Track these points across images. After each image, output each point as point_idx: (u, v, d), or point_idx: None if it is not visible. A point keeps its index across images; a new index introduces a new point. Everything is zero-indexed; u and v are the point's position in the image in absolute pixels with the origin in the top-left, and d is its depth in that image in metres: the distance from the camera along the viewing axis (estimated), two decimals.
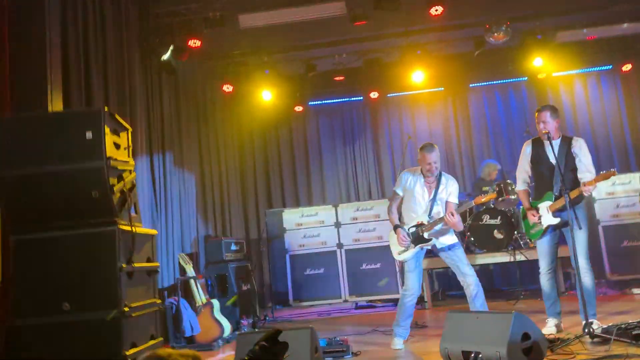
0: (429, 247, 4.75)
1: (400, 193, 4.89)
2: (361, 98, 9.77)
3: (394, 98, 9.77)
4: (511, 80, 9.56)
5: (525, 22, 7.62)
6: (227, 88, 8.45)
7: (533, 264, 7.93)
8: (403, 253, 4.74)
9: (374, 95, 9.46)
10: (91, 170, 3.56)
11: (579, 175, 4.54)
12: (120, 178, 3.77)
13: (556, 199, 4.52)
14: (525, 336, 3.50)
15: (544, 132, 4.52)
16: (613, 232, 7.12)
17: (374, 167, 9.63)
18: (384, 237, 7.49)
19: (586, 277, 4.40)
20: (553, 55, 8.18)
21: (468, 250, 7.65)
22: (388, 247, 7.51)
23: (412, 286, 4.66)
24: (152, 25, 6.51)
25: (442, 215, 4.67)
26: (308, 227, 7.70)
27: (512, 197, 7.47)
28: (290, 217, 7.80)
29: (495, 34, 6.54)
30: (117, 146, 3.84)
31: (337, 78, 8.46)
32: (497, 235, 7.43)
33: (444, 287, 8.41)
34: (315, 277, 7.58)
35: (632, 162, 9.01)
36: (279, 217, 7.85)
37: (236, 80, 8.47)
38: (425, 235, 4.66)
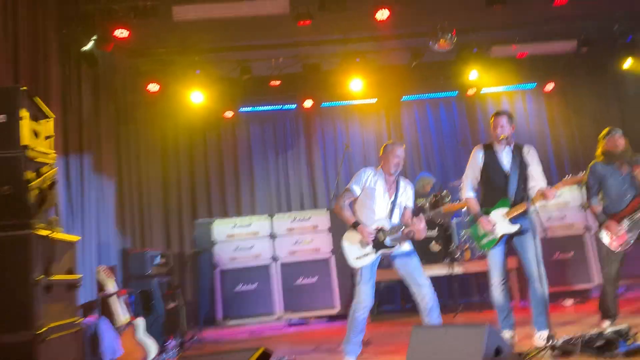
0: (388, 254, 4.44)
1: (357, 191, 4.47)
2: (294, 106, 9.46)
3: (328, 108, 9.54)
4: (442, 95, 9.69)
5: (463, 34, 7.65)
6: (153, 87, 7.79)
7: (470, 277, 8.00)
8: (362, 259, 4.35)
9: (308, 104, 9.18)
10: (2, 161, 2.93)
11: (531, 184, 4.45)
12: (38, 173, 3.14)
13: (512, 205, 4.39)
14: (498, 351, 3.28)
15: (501, 136, 4.39)
16: (544, 245, 7.22)
17: (307, 178, 9.30)
18: (322, 250, 7.16)
19: (545, 286, 4.28)
20: (486, 70, 8.32)
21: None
22: (326, 260, 7.37)
23: (366, 299, 4.32)
24: (74, 11, 5.79)
25: (400, 220, 4.41)
26: (241, 238, 7.19)
27: (444, 211, 7.42)
28: (222, 228, 7.25)
29: (441, 41, 6.47)
30: (37, 134, 3.21)
31: (272, 83, 8.04)
32: (434, 247, 7.34)
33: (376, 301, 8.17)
34: (247, 293, 7.07)
35: (555, 178, 9.33)
36: (209, 228, 7.27)
37: (163, 78, 7.84)
38: (387, 241, 4.35)
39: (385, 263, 4.61)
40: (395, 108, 9.59)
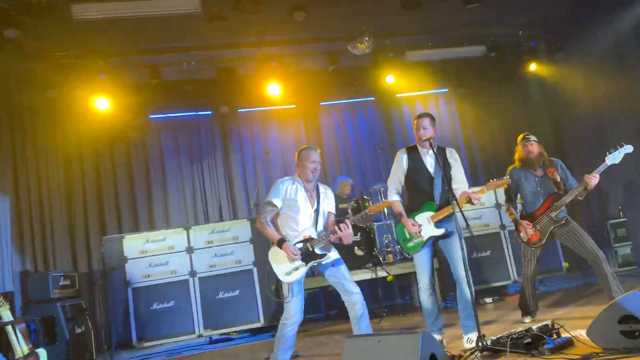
0: (320, 263, 4.24)
1: (278, 204, 4.26)
2: (210, 113, 9.08)
3: (245, 114, 9.26)
4: (360, 99, 9.72)
5: (379, 39, 7.67)
6: (52, 93, 7.13)
7: (392, 281, 7.99)
8: (293, 273, 4.13)
9: (224, 110, 8.84)
10: None
11: (454, 186, 4.44)
12: None
13: (438, 208, 4.36)
14: (433, 357, 3.18)
15: (424, 138, 4.35)
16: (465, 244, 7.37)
17: (224, 187, 8.93)
18: (244, 261, 6.85)
19: (470, 288, 4.26)
20: (401, 74, 8.41)
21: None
22: (248, 272, 7.05)
23: (295, 314, 4.10)
24: None
25: (324, 227, 4.24)
26: (155, 254, 6.71)
27: (370, 212, 7.39)
28: (133, 243, 6.73)
29: (359, 44, 6.41)
30: None
31: (185, 88, 7.63)
32: (358, 252, 7.26)
33: None
34: (163, 312, 6.59)
35: (468, 181, 9.60)
36: (119, 244, 6.72)
37: (64, 84, 7.19)
38: (317, 250, 4.16)
39: (308, 272, 4.41)
40: (314, 113, 9.48)
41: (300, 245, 4.16)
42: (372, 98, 9.67)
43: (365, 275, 6.97)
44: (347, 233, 4.07)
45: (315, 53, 7.85)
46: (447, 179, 4.32)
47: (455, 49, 8.20)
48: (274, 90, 7.83)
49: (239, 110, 9.14)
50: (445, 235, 4.32)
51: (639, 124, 7.29)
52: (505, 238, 7.48)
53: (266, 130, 9.31)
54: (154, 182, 8.67)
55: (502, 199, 7.61)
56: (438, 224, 4.34)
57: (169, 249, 6.74)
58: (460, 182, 4.41)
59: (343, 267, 4.27)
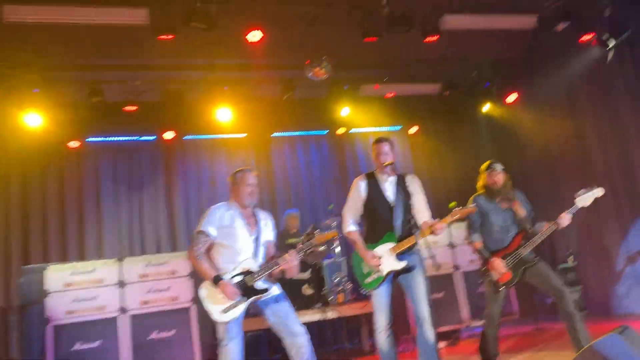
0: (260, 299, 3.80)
1: (213, 232, 3.81)
2: (154, 138, 8.54)
3: (192, 141, 8.75)
4: (313, 132, 9.45)
5: (336, 70, 7.44)
6: None
7: (341, 322, 7.54)
8: (229, 311, 3.65)
9: (169, 135, 8.33)
10: None
11: (416, 215, 4.15)
12: None
13: (399, 240, 4.02)
14: None
15: (386, 163, 4.05)
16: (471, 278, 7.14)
17: (165, 218, 8.29)
18: (181, 298, 6.26)
19: (433, 329, 3.91)
20: (355, 109, 8.21)
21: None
22: (185, 310, 6.44)
23: (234, 359, 3.62)
24: None
25: (264, 259, 3.83)
26: (81, 287, 6.00)
27: (321, 248, 7.00)
28: (56, 275, 6.00)
29: (318, 70, 6.15)
30: None
31: (127, 108, 7.09)
32: (307, 291, 6.82)
33: None
34: (88, 353, 5.84)
35: None
36: (40, 275, 5.97)
37: None
38: (257, 285, 3.70)
39: (250, 311, 3.95)
40: (265, 144, 9.10)
41: (239, 279, 3.71)
42: (326, 131, 9.43)
43: (314, 316, 6.51)
44: (291, 264, 3.68)
45: (270, 80, 7.53)
46: (408, 208, 4.02)
47: (410, 86, 8.10)
48: (224, 116, 7.41)
49: (184, 138, 8.64)
50: (407, 270, 3.98)
51: (587, 167, 7.34)
52: (458, 280, 7.25)
53: (213, 159, 8.82)
54: (87, 209, 7.95)
55: (457, 237, 7.46)
56: (399, 257, 4.00)
57: (98, 282, 6.06)
58: (421, 212, 4.12)
59: (287, 305, 3.85)
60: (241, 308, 3.67)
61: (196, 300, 6.22)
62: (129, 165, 8.38)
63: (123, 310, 6.04)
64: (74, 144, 7.89)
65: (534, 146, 8.16)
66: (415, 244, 4.03)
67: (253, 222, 3.92)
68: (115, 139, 8.38)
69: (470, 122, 9.17)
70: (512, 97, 8.46)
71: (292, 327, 3.76)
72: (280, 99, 7.69)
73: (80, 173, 8.10)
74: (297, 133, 9.36)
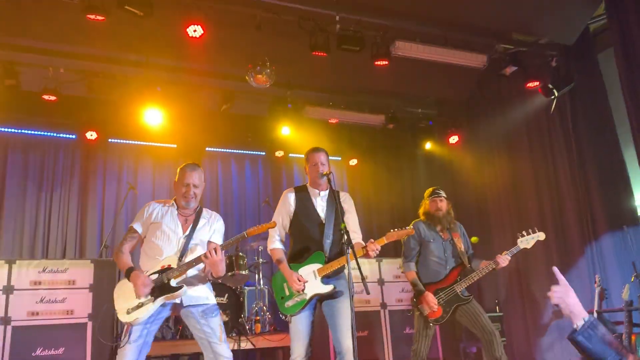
0: (176, 301, 3.35)
1: (140, 229, 3.52)
2: (74, 136, 7.82)
3: (117, 145, 8.10)
4: (250, 152, 9.04)
5: (280, 87, 7.12)
6: None
7: (256, 354, 6.98)
8: (135, 311, 3.21)
9: (91, 135, 7.65)
10: None
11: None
12: None
13: (328, 261, 3.62)
14: None
15: (325, 172, 3.68)
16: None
17: (75, 222, 7.54)
18: (77, 312, 5.52)
19: None
20: (297, 130, 7.85)
21: (182, 335, 6.22)
22: (80, 326, 5.69)
23: None
24: None
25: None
26: None
27: (243, 272, 6.49)
28: None
29: (259, 76, 5.76)
30: None
31: (47, 97, 6.40)
32: (222, 317, 6.21)
33: None
34: None
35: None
36: None
37: None
38: (173, 282, 3.25)
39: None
40: (197, 158, 8.51)
41: (155, 275, 3.30)
42: (264, 153, 9.03)
43: None
44: (213, 260, 3.22)
45: (208, 87, 7.06)
46: (339, 227, 3.65)
47: (355, 114, 7.86)
48: (154, 119, 6.82)
49: (110, 140, 7.98)
50: (332, 295, 3.57)
51: (521, 214, 7.28)
52: (385, 318, 6.89)
53: (139, 167, 8.19)
54: None
55: (386, 273, 7.13)
56: (325, 280, 3.59)
57: None
58: (353, 232, 3.76)
59: (217, 320, 3.41)
60: (149, 309, 3.23)
61: (94, 316, 5.52)
62: (42, 162, 7.64)
63: (5, 320, 5.24)
64: None
65: (470, 189, 8.07)
66: (343, 267, 3.64)
67: (190, 221, 3.54)
68: (30, 132, 7.60)
69: (410, 157, 9.03)
70: (453, 139, 8.41)
71: (216, 346, 3.38)
72: (218, 110, 7.24)
73: None
74: (233, 150, 8.91)
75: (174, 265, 3.34)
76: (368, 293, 3.23)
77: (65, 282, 5.56)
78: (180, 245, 3.43)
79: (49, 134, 7.72)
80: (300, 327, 3.57)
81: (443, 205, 4.55)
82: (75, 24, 5.30)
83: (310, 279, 3.58)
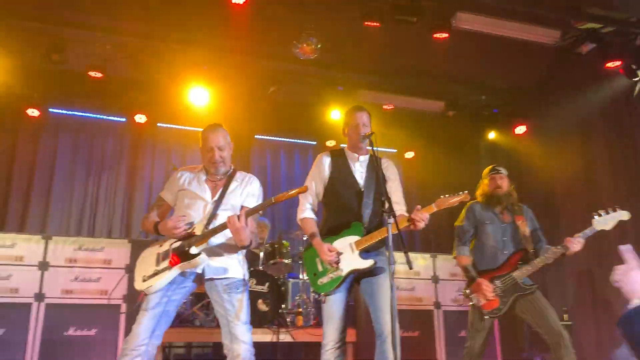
0: (197, 271, 3.03)
1: (167, 196, 3.28)
2: (124, 119, 7.74)
3: (166, 129, 7.96)
4: (300, 141, 8.69)
5: (327, 69, 6.72)
6: None
7: (296, 347, 6.57)
8: (152, 278, 2.95)
9: (140, 118, 7.53)
10: None
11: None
12: None
13: (367, 232, 3.15)
14: None
15: (366, 134, 3.23)
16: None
17: (122, 204, 7.48)
18: (112, 292, 5.32)
19: (396, 349, 2.97)
20: None
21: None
22: (114, 307, 5.49)
23: (137, 333, 2.84)
24: None
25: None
26: None
27: (286, 260, 6.10)
28: None
29: (304, 45, 5.38)
30: None
31: (93, 73, 6.28)
32: (261, 306, 5.84)
33: None
34: None
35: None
36: None
37: None
38: (194, 250, 2.93)
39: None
40: (246, 144, 8.31)
41: (178, 244, 3.01)
42: (314, 142, 8.65)
43: (265, 336, 5.55)
44: (235, 227, 2.84)
45: (254, 68, 6.71)
46: (380, 196, 3.18)
47: (412, 99, 7.32)
48: (199, 98, 6.59)
49: (158, 124, 7.85)
50: (372, 272, 3.10)
51: (594, 209, 6.50)
52: (438, 318, 6.32)
53: (187, 151, 8.01)
54: (37, 183, 7.18)
55: (442, 270, 6.56)
56: (364, 255, 3.12)
57: (16, 260, 5.14)
58: (396, 203, 3.27)
59: (241, 297, 3.04)
60: (166, 276, 2.94)
61: (129, 298, 5.29)
62: (91, 146, 7.64)
63: (39, 297, 5.10)
64: (33, 112, 7.10)
65: (538, 183, 7.33)
66: (384, 240, 3.17)
67: (220, 185, 3.21)
68: (81, 114, 7.58)
69: (472, 149, 8.33)
70: (520, 129, 7.71)
71: (234, 328, 3.01)
72: (265, 93, 6.90)
73: (37, 145, 7.42)
74: (282, 139, 8.59)
75: (199, 233, 3.00)
76: (410, 268, 2.72)
77: (100, 262, 5.39)
78: (208, 211, 3.10)
79: (99, 116, 7.68)
80: (334, 308, 3.13)
81: (504, 183, 4.00)
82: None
83: (347, 253, 3.13)
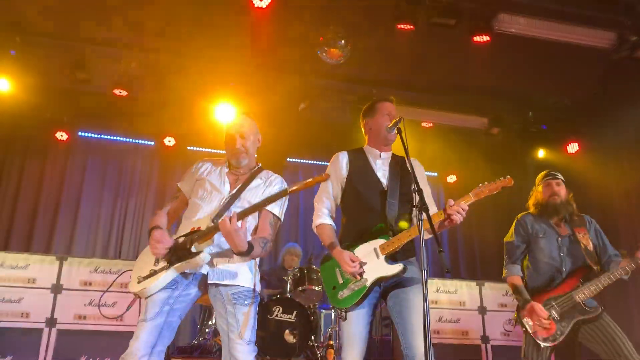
0: (202, 272, 2.61)
1: (185, 187, 2.89)
2: (152, 143, 7.56)
3: (196, 152, 7.71)
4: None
5: (360, 84, 6.36)
6: None
7: None
8: (148, 279, 2.55)
9: (169, 142, 7.34)
10: None
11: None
12: None
13: (393, 235, 2.67)
14: None
15: (393, 122, 2.77)
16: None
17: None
18: (127, 320, 4.94)
19: None
20: None
21: None
22: (131, 334, 5.11)
23: (136, 349, 2.43)
24: None
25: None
26: (5, 284, 4.82)
27: (316, 288, 5.59)
28: None
29: (332, 49, 5.01)
30: None
31: (117, 91, 6.12)
32: (289, 337, 5.34)
33: None
34: None
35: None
36: None
37: None
38: (194, 248, 2.52)
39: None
40: (278, 168, 7.95)
41: (182, 239, 2.60)
42: None
43: None
44: (226, 229, 2.40)
45: (283, 84, 6.39)
46: (406, 197, 2.75)
47: (452, 115, 6.83)
48: (226, 115, 6.31)
49: (188, 148, 7.62)
50: (401, 283, 2.61)
51: None
52: (487, 354, 5.65)
53: None
54: (64, 201, 7.06)
55: (490, 300, 5.91)
56: (391, 262, 2.63)
57: (29, 282, 4.86)
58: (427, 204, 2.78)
59: (247, 310, 2.62)
60: (161, 279, 2.52)
61: None
62: (119, 169, 7.46)
63: (51, 322, 4.77)
64: (62, 135, 7.03)
65: (594, 203, 6.61)
66: (413, 247, 2.69)
67: (241, 180, 2.82)
68: (109, 137, 7.45)
69: (520, 169, 7.69)
70: (572, 147, 7.08)
71: (233, 346, 2.57)
72: (295, 111, 6.56)
73: (65, 168, 7.33)
74: (315, 162, 8.21)
75: (204, 229, 2.58)
76: (448, 270, 2.18)
77: (118, 285, 5.03)
78: (222, 205, 2.69)
79: (127, 139, 7.52)
80: (356, 327, 2.63)
81: (561, 190, 3.45)
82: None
83: (371, 260, 2.65)
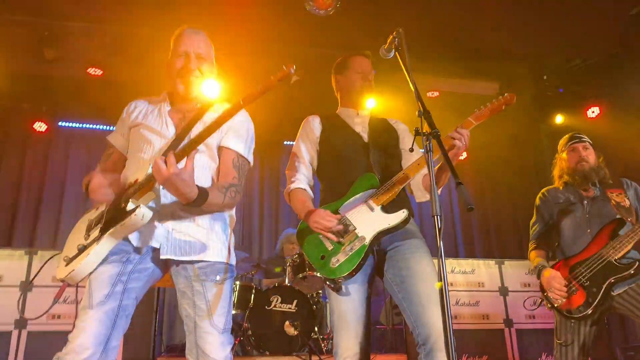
0: (154, 245, 2.02)
1: (118, 140, 2.27)
2: None
3: None
4: None
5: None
6: None
7: None
8: (76, 259, 1.92)
9: None
10: None
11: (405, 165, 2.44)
12: None
13: (382, 181, 2.21)
14: None
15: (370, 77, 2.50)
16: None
17: None
18: None
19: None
20: (387, 103, 6.39)
21: (243, 352, 4.90)
22: None
23: (84, 348, 1.81)
24: None
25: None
26: None
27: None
28: None
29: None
30: None
31: (92, 70, 5.61)
32: (289, 329, 4.80)
33: None
34: None
35: (461, 252, 7.40)
36: None
37: None
38: (130, 205, 1.90)
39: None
40: (276, 151, 7.50)
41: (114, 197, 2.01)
42: None
43: None
44: (161, 175, 1.80)
45: (276, 53, 5.85)
46: (390, 153, 2.39)
47: (460, 81, 6.28)
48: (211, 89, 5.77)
49: None
50: (397, 246, 2.09)
51: None
52: (510, 339, 5.08)
53: None
54: (46, 195, 6.61)
55: (511, 279, 5.35)
56: (390, 211, 2.13)
57: None
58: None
59: (217, 291, 2.04)
60: (94, 254, 1.90)
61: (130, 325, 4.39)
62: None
63: (20, 323, 4.26)
64: (40, 126, 6.54)
65: (618, 170, 6.05)
66: (406, 198, 2.21)
67: (188, 117, 2.13)
68: (91, 126, 6.95)
69: (534, 135, 7.11)
70: (593, 111, 6.49)
71: (201, 326, 2.03)
72: (287, 82, 6.00)
73: (46, 163, 6.81)
74: None
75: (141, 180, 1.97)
76: (470, 207, 1.59)
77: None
78: (166, 149, 2.03)
79: (110, 128, 6.99)
80: (349, 304, 2.13)
81: (589, 154, 2.94)
82: None
83: (365, 215, 2.18)
